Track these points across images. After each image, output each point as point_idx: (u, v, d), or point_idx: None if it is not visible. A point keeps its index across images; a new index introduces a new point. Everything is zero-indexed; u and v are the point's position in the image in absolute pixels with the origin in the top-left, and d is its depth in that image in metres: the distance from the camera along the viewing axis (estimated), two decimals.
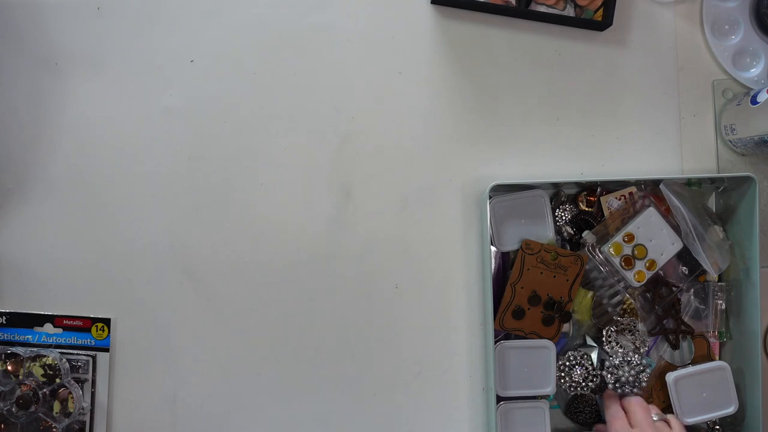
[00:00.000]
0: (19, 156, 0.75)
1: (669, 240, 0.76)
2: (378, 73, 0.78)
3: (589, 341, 0.78)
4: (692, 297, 0.79)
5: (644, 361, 0.76)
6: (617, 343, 0.77)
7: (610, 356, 0.77)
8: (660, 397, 0.79)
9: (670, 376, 0.76)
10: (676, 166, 0.81)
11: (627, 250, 0.76)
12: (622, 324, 0.78)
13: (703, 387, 0.77)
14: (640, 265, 0.76)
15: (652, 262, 0.76)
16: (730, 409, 0.77)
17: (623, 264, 0.76)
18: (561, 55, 0.80)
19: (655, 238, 0.76)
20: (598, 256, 0.76)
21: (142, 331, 0.76)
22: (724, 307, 0.79)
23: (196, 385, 0.76)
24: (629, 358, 0.76)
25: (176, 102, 0.76)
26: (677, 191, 0.77)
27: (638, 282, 0.76)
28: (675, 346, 0.78)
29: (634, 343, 0.77)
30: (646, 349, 0.78)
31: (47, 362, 0.73)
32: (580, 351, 0.77)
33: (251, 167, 0.77)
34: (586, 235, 0.77)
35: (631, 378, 0.76)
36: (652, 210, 0.76)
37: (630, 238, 0.76)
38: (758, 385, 0.76)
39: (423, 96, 0.78)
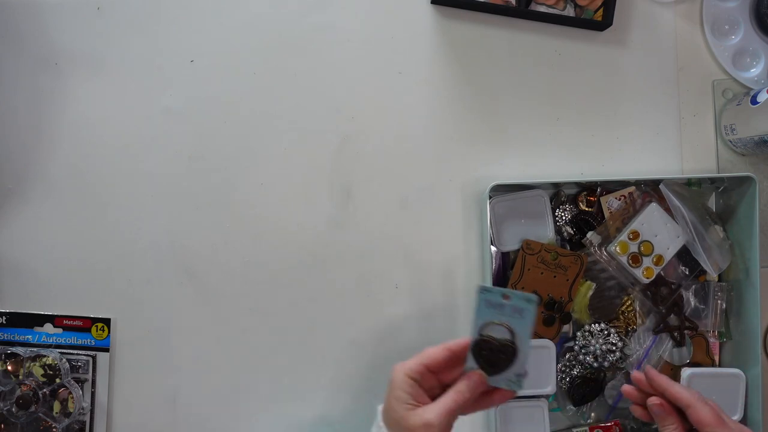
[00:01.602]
0: (19, 156, 0.75)
1: (674, 233, 0.76)
2: (378, 73, 0.78)
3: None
4: (692, 297, 0.79)
5: (621, 347, 0.76)
6: (608, 331, 0.78)
7: (594, 324, 0.77)
8: None
9: (686, 372, 0.76)
10: (676, 166, 0.81)
11: (633, 247, 0.76)
12: (619, 326, 0.78)
13: (714, 390, 0.76)
14: (647, 262, 0.76)
15: (659, 257, 0.76)
16: (734, 418, 0.76)
17: (630, 262, 0.76)
18: (561, 55, 0.80)
19: (660, 233, 0.76)
20: (604, 256, 0.76)
21: (142, 331, 0.76)
22: (724, 307, 0.79)
23: (196, 385, 0.76)
24: (610, 336, 0.76)
25: (176, 102, 0.76)
26: (677, 191, 0.77)
27: (647, 278, 0.76)
28: (680, 343, 0.78)
29: (621, 338, 0.78)
30: (641, 350, 0.78)
31: (47, 362, 0.73)
32: (582, 351, 0.77)
33: (251, 167, 0.77)
34: (591, 235, 0.77)
35: (598, 351, 0.76)
36: (654, 205, 0.76)
37: (635, 235, 0.76)
38: (758, 384, 0.76)
39: (423, 96, 0.79)
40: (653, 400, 0.65)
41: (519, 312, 0.58)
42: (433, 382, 0.58)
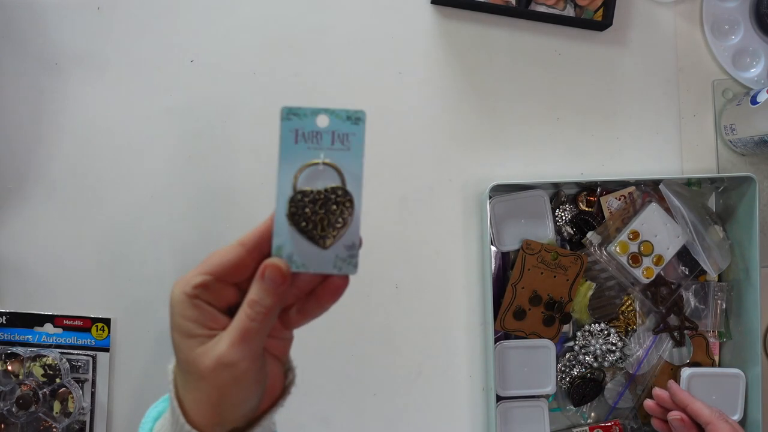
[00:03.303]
0: (20, 156, 0.75)
1: (674, 233, 0.76)
2: (378, 73, 0.78)
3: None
4: (692, 297, 0.79)
5: (621, 347, 0.77)
6: (607, 331, 0.78)
7: (594, 324, 0.78)
8: None
9: (686, 372, 0.76)
10: (676, 166, 0.81)
11: (633, 247, 0.76)
12: (619, 326, 0.78)
13: (714, 390, 0.77)
14: (647, 262, 0.76)
15: (659, 258, 0.76)
16: (734, 417, 0.76)
17: (630, 262, 0.76)
18: (561, 55, 0.80)
19: (660, 233, 0.76)
20: (604, 256, 0.76)
21: (142, 331, 0.76)
22: (724, 307, 0.79)
23: None
24: (610, 336, 0.76)
25: (176, 102, 0.76)
26: (677, 191, 0.77)
27: (647, 278, 0.76)
28: (680, 343, 0.78)
29: (621, 338, 0.78)
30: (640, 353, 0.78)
31: (47, 362, 0.73)
32: (582, 351, 0.78)
33: (251, 167, 0.77)
34: (591, 235, 0.77)
35: (598, 351, 0.76)
36: (654, 205, 0.76)
37: (635, 235, 0.76)
38: (758, 384, 0.76)
39: (423, 96, 0.79)
40: (674, 415, 0.66)
41: (344, 140, 0.40)
42: (231, 295, 0.40)
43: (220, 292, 0.40)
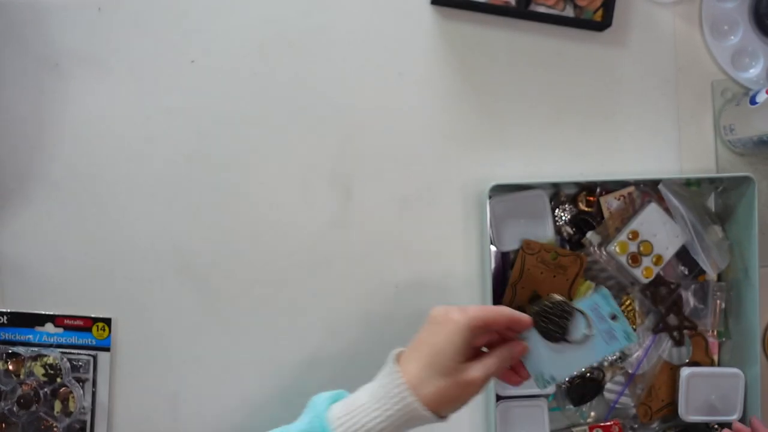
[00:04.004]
0: (21, 156, 0.75)
1: (673, 233, 0.77)
2: (378, 73, 0.78)
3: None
4: (691, 296, 0.80)
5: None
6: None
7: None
8: (659, 396, 0.79)
9: (685, 371, 0.77)
10: (675, 166, 0.81)
11: (633, 247, 0.76)
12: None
13: (713, 389, 0.77)
14: (647, 262, 0.76)
15: (659, 257, 0.76)
16: (734, 417, 0.77)
17: (630, 262, 0.76)
18: (561, 56, 0.80)
19: (659, 232, 0.76)
20: (603, 256, 0.76)
21: (142, 331, 0.76)
22: (723, 306, 0.79)
23: (197, 385, 0.76)
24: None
25: (176, 102, 0.76)
26: (676, 191, 0.77)
27: (646, 278, 0.76)
28: (679, 342, 0.79)
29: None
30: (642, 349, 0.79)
31: (48, 362, 0.73)
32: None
33: (251, 167, 0.77)
34: (590, 235, 0.77)
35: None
36: (653, 205, 0.77)
37: (634, 235, 0.76)
38: (757, 383, 0.76)
39: (423, 96, 0.79)
40: None
41: (609, 336, 0.57)
42: (480, 340, 0.58)
43: (478, 335, 0.56)
